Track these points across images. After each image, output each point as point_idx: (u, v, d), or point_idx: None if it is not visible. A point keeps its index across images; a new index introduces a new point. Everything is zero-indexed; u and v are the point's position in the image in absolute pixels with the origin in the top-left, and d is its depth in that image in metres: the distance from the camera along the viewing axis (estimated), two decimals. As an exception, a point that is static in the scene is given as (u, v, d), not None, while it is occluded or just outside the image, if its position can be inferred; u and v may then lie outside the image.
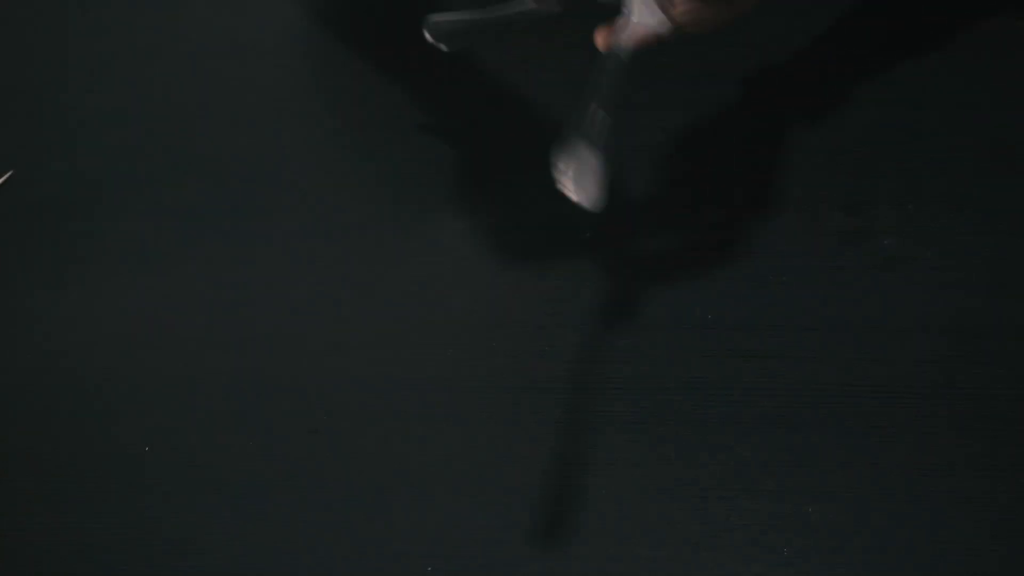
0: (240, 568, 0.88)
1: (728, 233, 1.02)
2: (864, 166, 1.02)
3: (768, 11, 1.18)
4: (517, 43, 1.17)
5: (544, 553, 0.88)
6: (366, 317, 1.00)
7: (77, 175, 1.09)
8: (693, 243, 1.02)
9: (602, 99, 0.90)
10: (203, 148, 1.11)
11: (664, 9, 0.91)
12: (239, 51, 1.19)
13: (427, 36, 0.91)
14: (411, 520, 0.89)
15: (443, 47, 0.92)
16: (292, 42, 1.18)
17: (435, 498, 0.90)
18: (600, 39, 0.92)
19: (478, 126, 1.08)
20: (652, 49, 0.91)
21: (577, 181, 0.88)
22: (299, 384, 0.96)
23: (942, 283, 1.00)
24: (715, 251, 1.01)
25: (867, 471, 0.91)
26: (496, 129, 1.07)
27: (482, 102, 1.08)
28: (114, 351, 0.98)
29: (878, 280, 0.99)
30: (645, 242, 1.00)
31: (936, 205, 0.99)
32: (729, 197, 1.01)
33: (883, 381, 0.95)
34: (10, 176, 1.08)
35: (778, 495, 0.90)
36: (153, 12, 1.23)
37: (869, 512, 0.89)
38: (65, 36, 1.21)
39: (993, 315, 0.99)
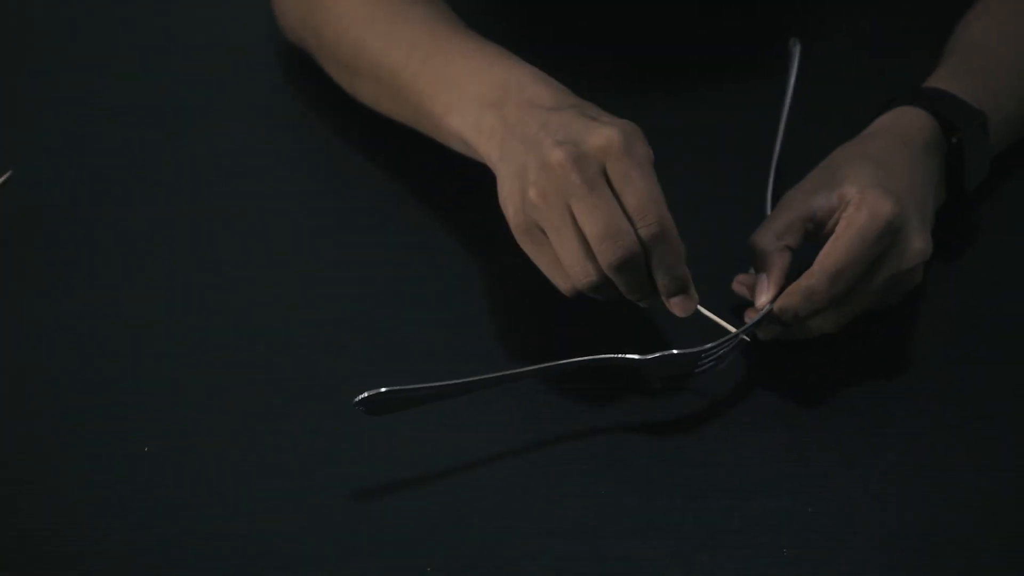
0: (239, 568, 0.88)
1: (729, 232, 1.02)
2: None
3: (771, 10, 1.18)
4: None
5: (544, 553, 0.88)
6: (366, 317, 1.00)
7: (77, 175, 1.09)
8: (693, 243, 1.01)
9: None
10: (203, 148, 1.11)
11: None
12: (240, 51, 1.19)
13: None
14: (411, 520, 0.89)
15: None
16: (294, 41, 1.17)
17: (435, 498, 0.90)
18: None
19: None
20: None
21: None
22: (299, 384, 0.96)
23: (942, 283, 1.00)
24: (715, 251, 1.01)
25: (867, 471, 0.91)
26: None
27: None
28: (114, 351, 0.98)
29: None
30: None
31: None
32: (730, 197, 1.01)
33: (883, 381, 0.95)
34: (10, 176, 1.08)
35: (778, 495, 0.90)
36: (152, 12, 1.23)
37: (869, 512, 0.89)
38: (65, 36, 1.21)
39: (993, 315, 0.99)
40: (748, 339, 0.93)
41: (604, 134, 0.89)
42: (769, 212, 0.98)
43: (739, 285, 0.96)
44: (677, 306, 0.91)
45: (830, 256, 0.91)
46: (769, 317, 0.92)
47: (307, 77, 1.13)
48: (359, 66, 1.06)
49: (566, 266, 0.90)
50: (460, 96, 0.98)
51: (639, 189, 0.89)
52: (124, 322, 1.00)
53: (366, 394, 0.89)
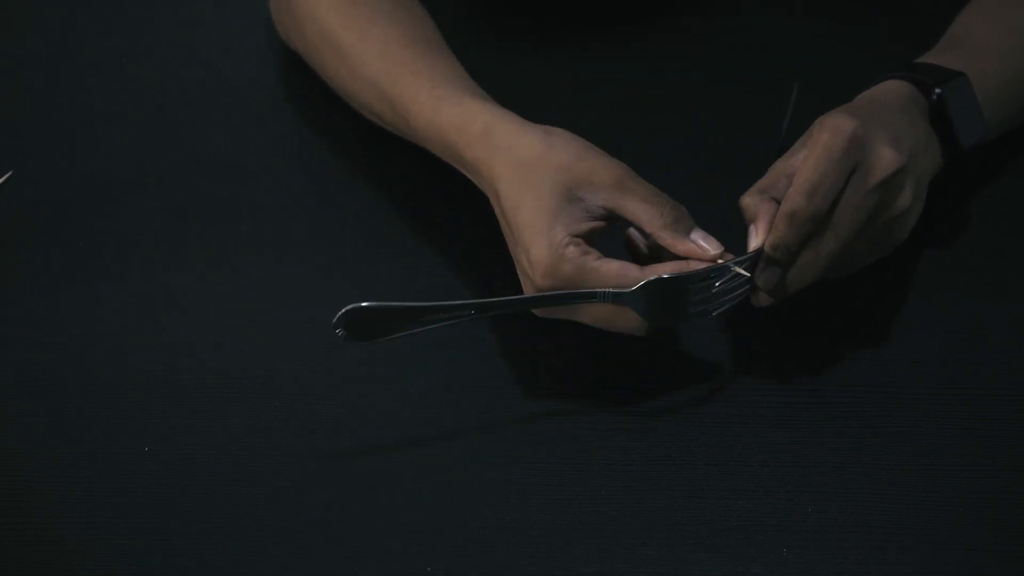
0: (239, 568, 0.88)
1: (728, 233, 1.02)
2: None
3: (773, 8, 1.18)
4: (513, 51, 1.17)
5: (544, 553, 0.88)
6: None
7: (77, 175, 1.09)
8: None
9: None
10: (203, 148, 1.11)
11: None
12: (240, 51, 1.19)
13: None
14: (411, 520, 0.89)
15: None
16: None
17: (435, 498, 0.90)
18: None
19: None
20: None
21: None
22: (299, 384, 0.96)
23: (942, 283, 1.00)
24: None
25: (867, 471, 0.91)
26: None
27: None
28: (114, 351, 0.98)
29: (878, 280, 0.99)
30: (644, 242, 1.00)
31: (935, 204, 0.99)
32: (729, 197, 1.01)
33: (883, 381, 0.95)
34: (10, 176, 1.08)
35: (778, 495, 0.90)
36: (153, 12, 1.23)
37: (868, 512, 0.89)
38: (65, 36, 1.21)
39: (993, 315, 0.99)
40: (743, 273, 0.92)
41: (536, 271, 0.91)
42: None
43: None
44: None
45: (801, 175, 0.91)
46: (764, 260, 0.92)
47: (308, 78, 1.13)
48: (346, 91, 1.07)
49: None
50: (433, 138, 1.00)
51: (594, 281, 0.90)
52: (124, 322, 1.00)
53: (345, 310, 0.88)
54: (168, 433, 0.94)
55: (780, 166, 0.95)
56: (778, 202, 0.93)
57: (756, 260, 0.92)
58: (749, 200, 0.94)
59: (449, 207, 1.06)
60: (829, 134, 0.91)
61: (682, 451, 0.92)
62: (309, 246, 1.05)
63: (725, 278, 0.92)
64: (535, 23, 1.19)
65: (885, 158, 0.92)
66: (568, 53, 1.17)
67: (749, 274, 0.92)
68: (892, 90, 0.99)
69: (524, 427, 0.93)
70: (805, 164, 0.91)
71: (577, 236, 0.91)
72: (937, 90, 0.98)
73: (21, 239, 1.05)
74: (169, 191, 1.08)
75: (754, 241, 0.93)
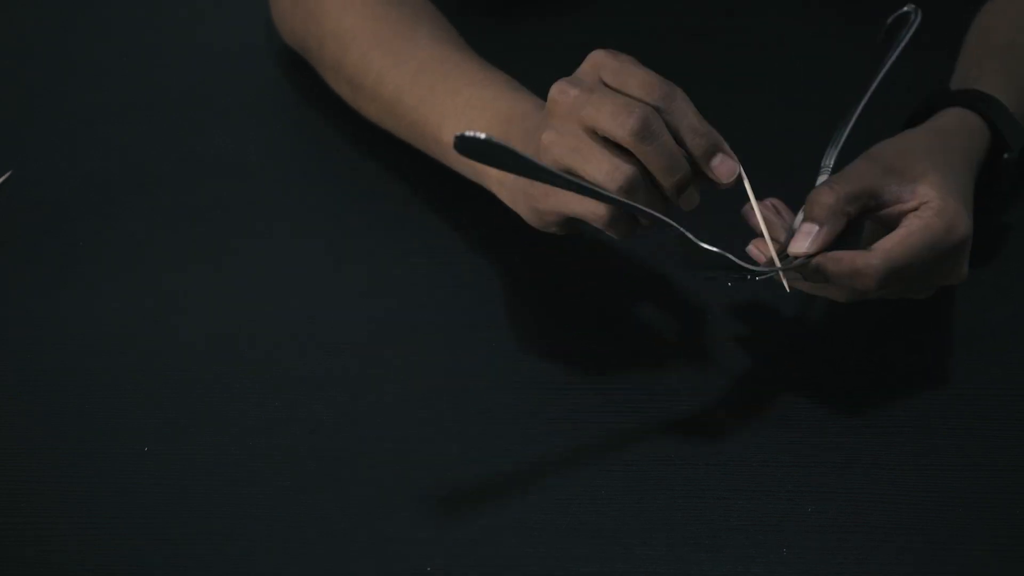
0: (239, 568, 0.88)
1: (729, 232, 1.02)
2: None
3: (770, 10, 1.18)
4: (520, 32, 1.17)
5: (544, 553, 0.88)
6: (366, 317, 1.00)
7: (77, 175, 1.09)
8: (692, 243, 1.01)
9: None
10: (203, 148, 1.11)
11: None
12: (241, 51, 1.19)
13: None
14: (411, 520, 0.89)
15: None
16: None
17: (435, 498, 0.90)
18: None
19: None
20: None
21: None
22: (299, 384, 0.96)
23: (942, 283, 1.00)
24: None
25: (867, 471, 0.91)
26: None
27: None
28: (114, 351, 0.98)
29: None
30: (644, 243, 1.00)
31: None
32: (730, 197, 1.01)
33: (883, 381, 0.95)
34: (10, 176, 1.08)
35: (778, 495, 0.90)
36: (154, 12, 1.23)
37: (868, 512, 0.89)
38: (65, 36, 1.21)
39: (993, 315, 0.99)
40: (797, 272, 0.90)
41: (589, 59, 0.89)
42: (825, 162, 0.95)
43: (755, 250, 0.92)
44: (719, 168, 0.88)
45: (896, 249, 0.89)
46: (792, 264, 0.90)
47: (307, 78, 1.13)
48: (362, 83, 1.06)
49: (597, 176, 0.87)
50: (467, 127, 0.98)
51: (638, 72, 0.87)
52: (124, 322, 1.00)
53: (470, 133, 0.81)
54: (168, 433, 0.94)
55: (870, 178, 0.90)
56: (849, 219, 0.90)
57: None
58: (829, 201, 0.89)
59: (450, 206, 1.06)
60: (944, 230, 0.89)
61: (682, 451, 0.92)
62: (309, 245, 1.05)
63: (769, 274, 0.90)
64: (535, 23, 1.19)
65: (964, 271, 0.92)
66: (568, 53, 1.18)
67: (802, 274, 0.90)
68: (979, 138, 0.97)
69: (524, 427, 0.93)
70: (907, 241, 0.89)
71: None
72: (1007, 154, 0.98)
73: (21, 239, 1.05)
74: (169, 191, 1.08)
75: (809, 244, 0.89)
